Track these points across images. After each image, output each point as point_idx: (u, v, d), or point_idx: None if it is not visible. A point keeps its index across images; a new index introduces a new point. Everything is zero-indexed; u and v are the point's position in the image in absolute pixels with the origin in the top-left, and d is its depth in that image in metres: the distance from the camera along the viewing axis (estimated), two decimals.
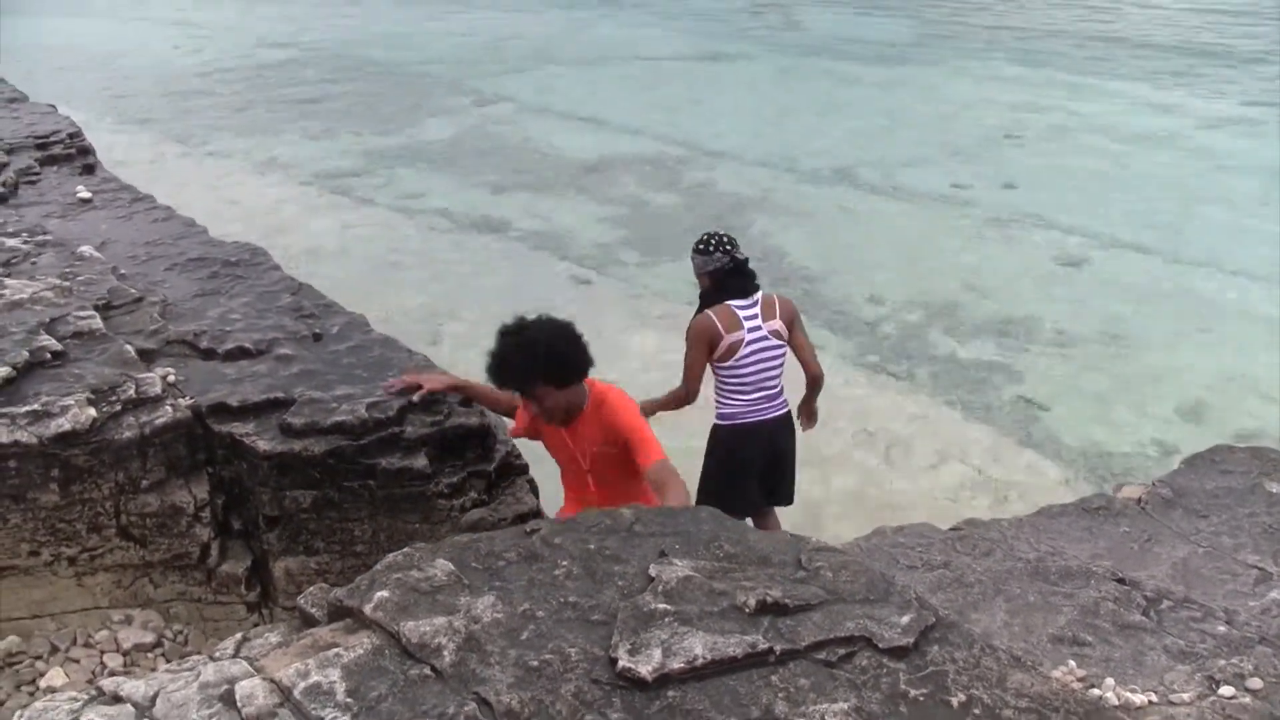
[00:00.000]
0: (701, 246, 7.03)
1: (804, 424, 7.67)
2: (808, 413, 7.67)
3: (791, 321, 7.09)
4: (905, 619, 3.72)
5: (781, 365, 7.10)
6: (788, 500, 7.46)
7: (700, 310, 7.04)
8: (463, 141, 21.03)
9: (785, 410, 7.23)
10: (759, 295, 6.99)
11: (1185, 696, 3.91)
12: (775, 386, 7.12)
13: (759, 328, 6.93)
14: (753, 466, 7.21)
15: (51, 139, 11.85)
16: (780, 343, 7.02)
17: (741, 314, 6.90)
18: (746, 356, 6.92)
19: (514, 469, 6.69)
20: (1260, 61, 28.53)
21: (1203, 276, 13.83)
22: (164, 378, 6.38)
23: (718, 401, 7.15)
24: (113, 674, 5.54)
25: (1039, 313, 12.54)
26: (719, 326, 6.87)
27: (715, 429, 7.23)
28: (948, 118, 22.91)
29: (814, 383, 7.47)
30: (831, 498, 8.79)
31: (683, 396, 7.12)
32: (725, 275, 6.96)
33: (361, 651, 3.50)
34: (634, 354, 11.03)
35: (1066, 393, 10.79)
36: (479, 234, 15.29)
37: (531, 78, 26.75)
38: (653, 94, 25.48)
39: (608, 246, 14.78)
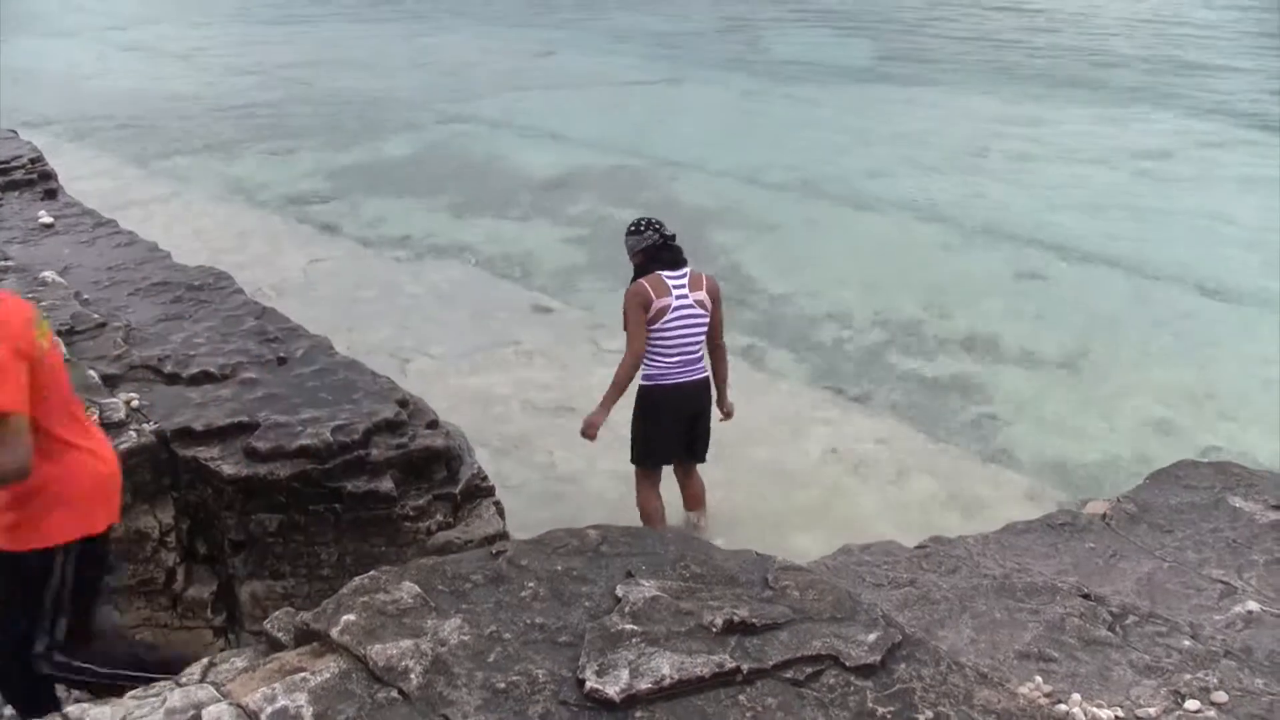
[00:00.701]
0: (634, 229, 7.83)
1: (724, 417, 8.35)
2: (725, 406, 8.32)
3: (715, 297, 7.82)
4: (872, 637, 3.74)
5: (703, 333, 7.78)
6: (703, 457, 8.28)
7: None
8: (424, 160, 21.00)
9: (705, 375, 7.90)
10: (688, 269, 7.73)
11: (1151, 711, 3.92)
12: (697, 351, 7.79)
13: (686, 296, 7.61)
14: (675, 423, 7.92)
15: (12, 164, 11.80)
16: (704, 312, 7.69)
17: (671, 282, 7.60)
18: (672, 321, 7.57)
19: (480, 491, 6.69)
20: (1224, 73, 28.85)
21: (1168, 290, 13.92)
22: (128, 403, 6.36)
23: (645, 363, 7.75)
24: (78, 701, 5.50)
25: (1003, 328, 12.59)
26: (650, 291, 7.55)
27: (642, 388, 7.86)
28: (910, 135, 23.02)
29: (719, 353, 8.11)
30: (796, 516, 8.78)
31: (631, 361, 7.68)
32: (656, 250, 7.70)
33: (328, 675, 3.49)
34: (597, 388, 11.01)
35: (1031, 408, 10.83)
36: (439, 261, 15.20)
37: (494, 102, 26.73)
38: (615, 115, 25.53)
39: (569, 271, 14.75)
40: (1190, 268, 14.61)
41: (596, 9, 46.94)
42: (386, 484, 6.14)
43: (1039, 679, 4.10)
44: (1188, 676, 4.15)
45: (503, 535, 6.41)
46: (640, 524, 7.66)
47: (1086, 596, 4.76)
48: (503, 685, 3.42)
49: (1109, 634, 4.46)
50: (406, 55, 35.09)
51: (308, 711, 3.33)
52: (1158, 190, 18.52)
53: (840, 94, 27.91)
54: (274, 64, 32.97)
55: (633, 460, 8.12)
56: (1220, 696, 4.01)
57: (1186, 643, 4.40)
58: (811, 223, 16.99)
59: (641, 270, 7.71)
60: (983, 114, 24.97)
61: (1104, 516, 5.67)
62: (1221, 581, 4.96)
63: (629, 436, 8.09)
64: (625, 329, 7.65)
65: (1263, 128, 23.21)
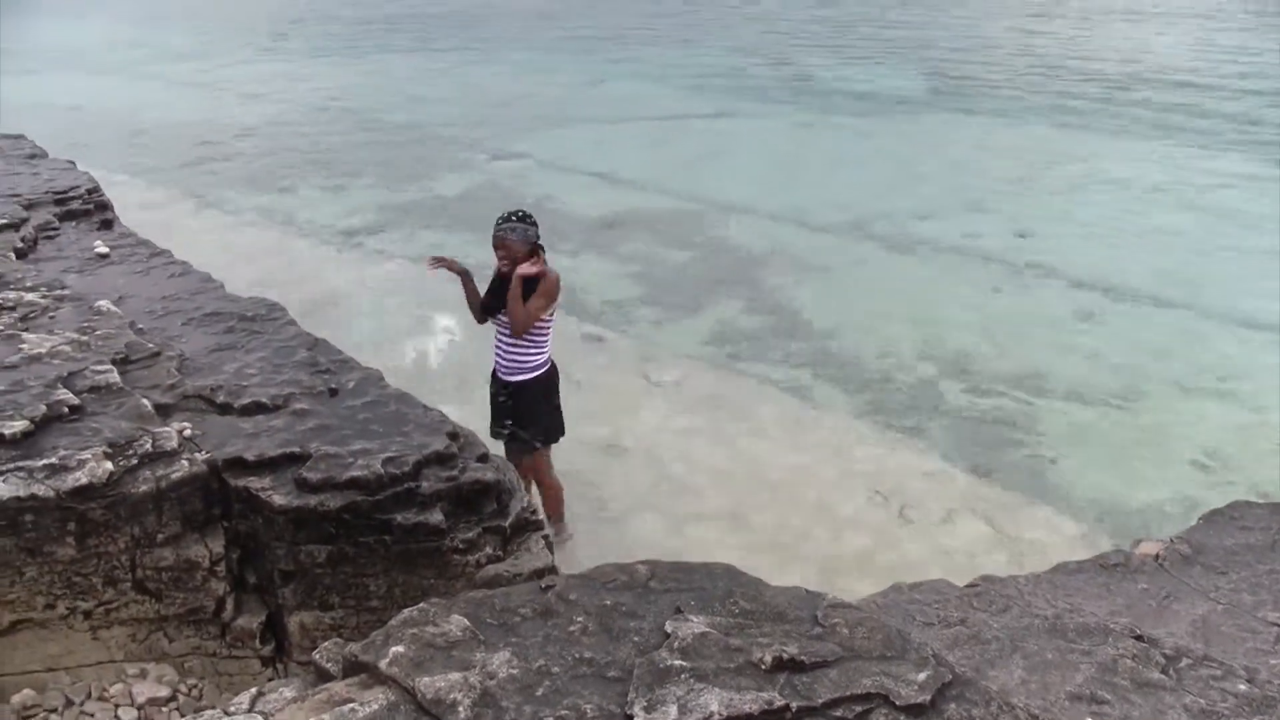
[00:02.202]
0: (523, 217, 8.01)
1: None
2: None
3: None
4: (922, 676, 3.71)
5: None
6: None
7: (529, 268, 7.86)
8: (476, 197, 21.10)
9: None
10: None
11: None
12: None
13: None
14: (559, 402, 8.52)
15: (70, 194, 11.96)
16: None
17: None
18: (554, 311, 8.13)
19: (529, 525, 6.67)
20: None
21: (1218, 329, 13.79)
22: (180, 432, 6.40)
23: (539, 349, 8.16)
24: None
25: (1053, 365, 12.51)
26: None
27: (550, 370, 8.30)
28: (960, 169, 22.98)
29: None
30: (845, 556, 8.75)
31: (519, 324, 7.90)
32: (538, 247, 7.99)
33: (376, 707, 3.49)
34: (647, 423, 11.02)
35: (1082, 447, 10.74)
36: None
37: (545, 136, 26.85)
38: (665, 151, 25.59)
39: (620, 303, 14.80)
40: (1242, 305, 14.47)
41: (646, 41, 47.10)
42: (436, 516, 6.15)
43: None
44: None
45: (551, 569, 6.40)
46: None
47: (1139, 638, 4.71)
48: (551, 719, 3.41)
49: (1162, 677, 4.42)
50: (456, 87, 35.28)
51: None
52: (1210, 226, 18.36)
53: (890, 126, 27.93)
54: (323, 98, 33.24)
55: (550, 441, 8.48)
56: None
57: (1242, 687, 4.35)
58: (861, 262, 16.95)
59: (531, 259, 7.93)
60: (1034, 146, 24.86)
61: (1157, 557, 5.62)
62: (1278, 625, 4.89)
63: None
64: (536, 301, 7.86)
65: None
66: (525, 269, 7.74)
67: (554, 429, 8.44)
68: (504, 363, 8.11)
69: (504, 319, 7.98)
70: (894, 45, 44.29)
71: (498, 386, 8.26)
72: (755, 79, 36.29)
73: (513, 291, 7.77)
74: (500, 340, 8.09)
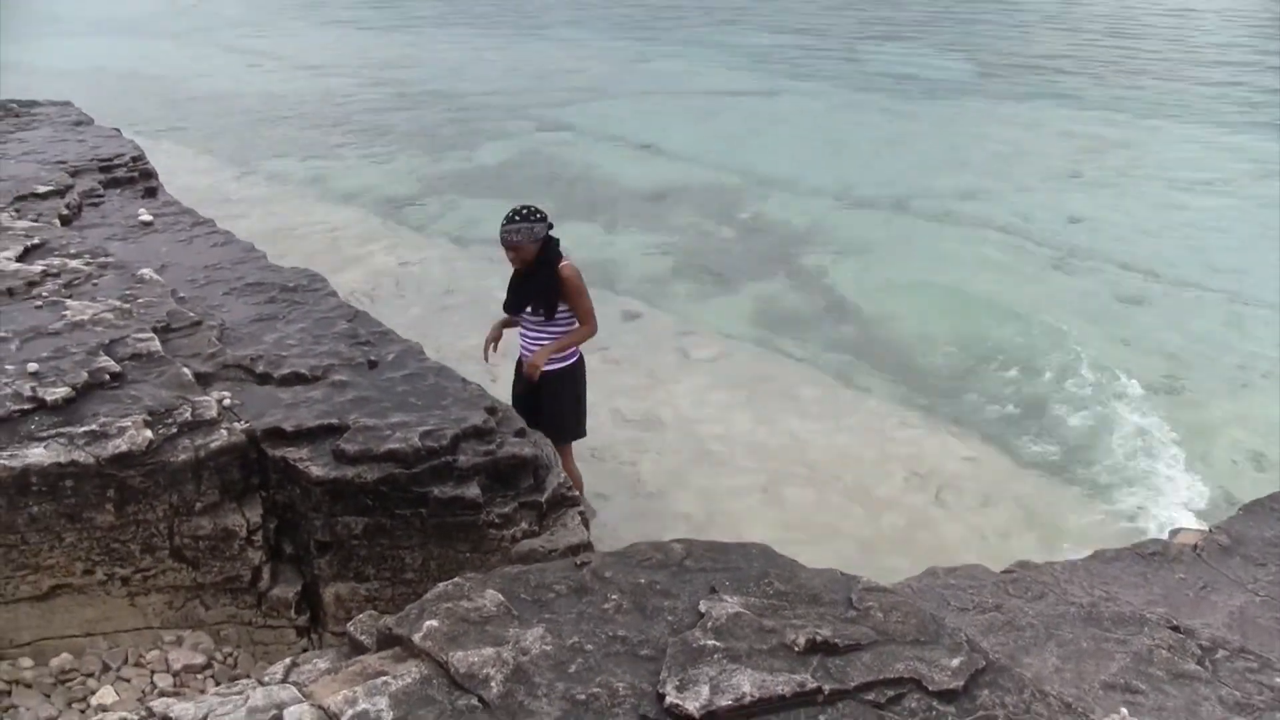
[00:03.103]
0: (526, 215, 7.73)
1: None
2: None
3: None
4: (955, 661, 3.70)
5: None
6: None
7: (551, 261, 7.81)
8: (520, 166, 21.10)
9: None
10: None
11: None
12: None
13: None
14: (584, 397, 8.30)
15: (115, 162, 12.03)
16: None
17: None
18: None
19: (566, 500, 6.68)
20: None
21: (1263, 318, 13.65)
22: (220, 401, 6.43)
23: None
24: (163, 694, 5.59)
25: (1096, 352, 12.42)
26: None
27: (578, 362, 8.16)
28: (1006, 154, 22.79)
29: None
30: (882, 537, 8.73)
31: (592, 333, 8.03)
32: (549, 238, 7.81)
33: (410, 680, 3.50)
34: (685, 397, 11.00)
35: (1123, 434, 10.67)
36: None
37: (590, 108, 26.81)
38: (711, 126, 25.53)
39: (659, 278, 14.78)
40: None
41: (695, 20, 46.95)
42: (473, 490, 6.15)
43: (1124, 711, 4.04)
44: (1279, 716, 4.07)
45: (587, 546, 6.40)
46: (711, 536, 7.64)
47: (1175, 628, 4.68)
48: (583, 697, 3.42)
49: (1198, 668, 4.39)
50: (505, 62, 35.26)
51: (388, 715, 3.35)
52: (1255, 215, 18.17)
53: (936, 109, 27.72)
54: (373, 68, 33.34)
55: (573, 437, 8.26)
56: None
57: (1279, 680, 4.31)
58: (904, 241, 16.87)
59: (545, 258, 7.78)
60: (1080, 132, 24.63)
61: (1195, 547, 5.58)
62: None
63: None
64: (583, 309, 7.86)
65: None
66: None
67: (573, 424, 8.22)
68: (531, 352, 8.05)
69: (529, 315, 7.95)
70: (944, 29, 43.93)
71: (521, 379, 8.16)
72: (803, 59, 36.09)
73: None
74: (530, 329, 8.01)
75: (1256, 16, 46.57)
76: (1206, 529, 5.85)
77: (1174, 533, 6.00)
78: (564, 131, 24.42)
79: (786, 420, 10.63)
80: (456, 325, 12.62)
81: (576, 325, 7.91)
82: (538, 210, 7.76)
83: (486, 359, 8.26)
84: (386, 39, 40.41)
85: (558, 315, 7.82)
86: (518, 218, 7.70)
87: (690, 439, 10.15)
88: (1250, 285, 14.80)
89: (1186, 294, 14.57)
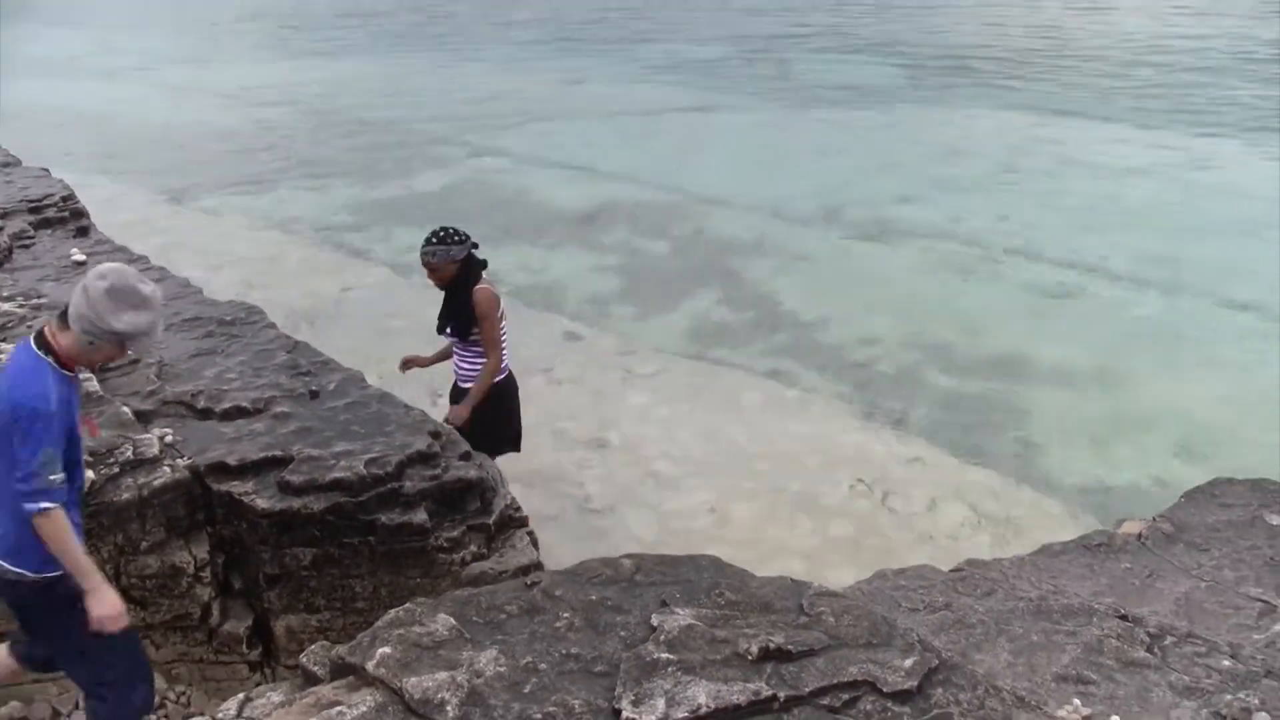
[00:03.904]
0: (444, 237, 7.74)
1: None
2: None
3: None
4: (908, 662, 3.73)
5: None
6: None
7: (468, 283, 7.75)
8: (457, 192, 21.04)
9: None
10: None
11: None
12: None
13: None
14: (514, 413, 8.22)
15: (45, 202, 11.90)
16: None
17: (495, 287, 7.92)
18: (504, 320, 7.92)
19: (513, 521, 6.68)
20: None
21: (1197, 308, 13.82)
22: (161, 438, 6.39)
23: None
24: None
25: (1034, 349, 12.54)
26: (497, 296, 7.87)
27: (507, 381, 8.11)
28: (937, 157, 22.97)
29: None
30: (832, 547, 8.76)
31: (497, 366, 7.92)
32: (470, 259, 7.79)
33: (365, 709, 3.49)
34: (629, 417, 11.00)
35: (1063, 428, 10.78)
36: None
37: (524, 132, 26.77)
38: (645, 144, 25.56)
39: (600, 299, 14.79)
40: (1221, 284, 14.50)
41: (624, 38, 47.01)
42: (420, 516, 6.15)
43: (1077, 701, 4.08)
44: (1228, 697, 4.12)
45: (537, 566, 6.41)
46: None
47: (1124, 617, 4.73)
48: (539, 716, 3.42)
49: (1147, 655, 4.44)
50: (437, 86, 35.13)
51: None
52: (1187, 206, 18.40)
53: (868, 117, 27.89)
54: (304, 97, 33.10)
55: (493, 452, 7.92)
56: (1262, 717, 3.98)
57: (1226, 663, 4.37)
58: (842, 250, 16.94)
59: (462, 279, 7.75)
60: (1011, 133, 24.88)
61: (1139, 536, 5.64)
62: (1260, 600, 4.92)
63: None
64: (485, 335, 7.78)
65: None
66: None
67: (501, 439, 8.09)
68: (462, 372, 8.01)
69: (448, 336, 7.96)
70: (871, 38, 44.21)
71: (456, 396, 8.15)
72: (735, 73, 36.16)
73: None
74: (456, 351, 8.00)
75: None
76: (1150, 518, 5.91)
77: (1119, 523, 6.06)
78: (500, 157, 24.34)
79: (731, 432, 10.66)
80: (398, 350, 12.52)
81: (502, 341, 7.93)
82: (457, 232, 7.76)
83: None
84: (319, 67, 40.15)
85: (471, 337, 7.81)
86: (435, 239, 7.74)
87: (637, 458, 10.16)
88: (1183, 274, 14.98)
89: (1119, 286, 14.74)
